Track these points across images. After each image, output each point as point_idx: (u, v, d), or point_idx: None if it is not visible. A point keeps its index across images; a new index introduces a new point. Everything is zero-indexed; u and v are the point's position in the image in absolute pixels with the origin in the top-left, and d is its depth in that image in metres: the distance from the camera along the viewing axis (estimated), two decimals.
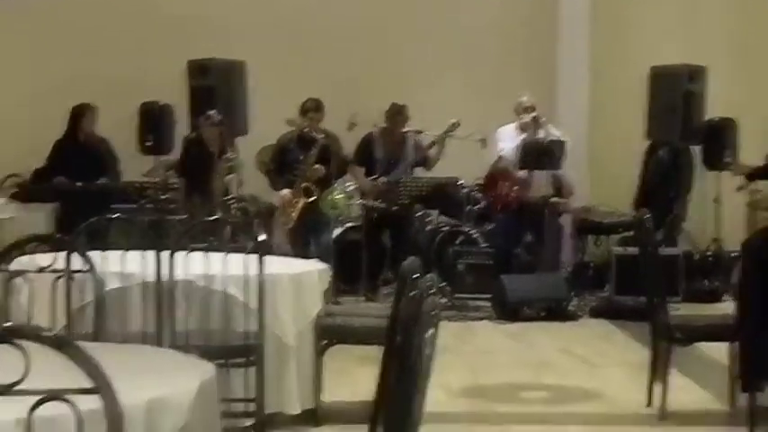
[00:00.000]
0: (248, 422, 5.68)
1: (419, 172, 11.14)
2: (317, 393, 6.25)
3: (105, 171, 11.50)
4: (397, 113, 11.03)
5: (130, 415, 2.74)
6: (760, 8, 12.64)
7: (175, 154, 11.34)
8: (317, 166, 10.63)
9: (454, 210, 11.20)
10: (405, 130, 11.04)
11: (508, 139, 10.78)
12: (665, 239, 10.54)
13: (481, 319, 10.11)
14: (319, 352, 6.25)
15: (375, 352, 6.69)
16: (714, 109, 11.56)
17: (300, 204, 10.60)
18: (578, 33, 12.58)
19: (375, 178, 11.00)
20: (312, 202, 10.59)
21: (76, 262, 4.81)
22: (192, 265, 5.57)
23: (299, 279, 6.16)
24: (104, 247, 5.48)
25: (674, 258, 9.98)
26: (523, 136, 10.68)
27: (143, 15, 12.47)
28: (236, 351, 5.62)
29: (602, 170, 12.37)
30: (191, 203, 10.39)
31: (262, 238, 5.67)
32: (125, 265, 5.68)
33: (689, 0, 12.74)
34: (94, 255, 4.94)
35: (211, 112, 10.49)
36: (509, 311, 10.11)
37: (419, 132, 11.08)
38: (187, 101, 11.48)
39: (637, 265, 9.20)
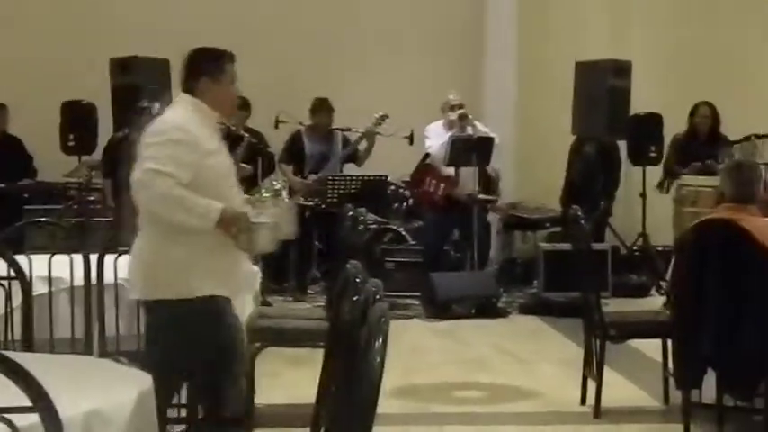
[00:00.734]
0: (179, 429, 5.56)
1: (349, 169, 11.06)
2: (250, 396, 6.14)
3: (26, 171, 11.32)
4: (319, 106, 11.04)
5: (69, 428, 2.68)
6: (685, 3, 12.72)
7: (99, 154, 11.12)
8: (243, 164, 10.51)
9: (383, 207, 11.16)
10: (332, 127, 11.00)
11: (436, 136, 10.74)
12: (592, 235, 10.53)
13: (411, 317, 10.06)
14: (252, 355, 6.15)
15: (307, 354, 6.67)
16: (639, 104, 11.59)
17: None
18: (505, 29, 12.60)
19: (305, 177, 10.92)
20: None
21: (1, 267, 4.68)
22: (122, 268, 5.44)
23: None
24: (27, 250, 5.35)
25: (602, 254, 9.99)
26: (451, 133, 10.65)
27: (65, 12, 12.26)
28: None
29: (530, 166, 12.41)
30: (118, 204, 10.20)
31: None
32: (52, 270, 5.54)
33: None
34: (20, 259, 4.82)
35: (147, 104, 10.28)
36: (439, 309, 10.08)
37: (347, 130, 11.04)
38: (110, 99, 11.29)
39: (565, 261, 9.25)
